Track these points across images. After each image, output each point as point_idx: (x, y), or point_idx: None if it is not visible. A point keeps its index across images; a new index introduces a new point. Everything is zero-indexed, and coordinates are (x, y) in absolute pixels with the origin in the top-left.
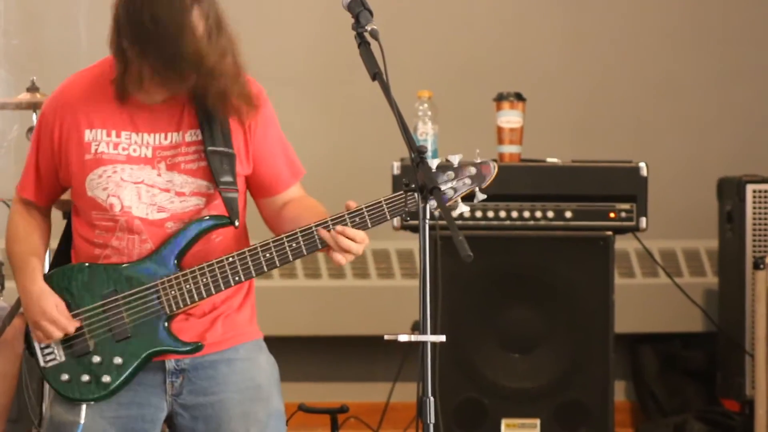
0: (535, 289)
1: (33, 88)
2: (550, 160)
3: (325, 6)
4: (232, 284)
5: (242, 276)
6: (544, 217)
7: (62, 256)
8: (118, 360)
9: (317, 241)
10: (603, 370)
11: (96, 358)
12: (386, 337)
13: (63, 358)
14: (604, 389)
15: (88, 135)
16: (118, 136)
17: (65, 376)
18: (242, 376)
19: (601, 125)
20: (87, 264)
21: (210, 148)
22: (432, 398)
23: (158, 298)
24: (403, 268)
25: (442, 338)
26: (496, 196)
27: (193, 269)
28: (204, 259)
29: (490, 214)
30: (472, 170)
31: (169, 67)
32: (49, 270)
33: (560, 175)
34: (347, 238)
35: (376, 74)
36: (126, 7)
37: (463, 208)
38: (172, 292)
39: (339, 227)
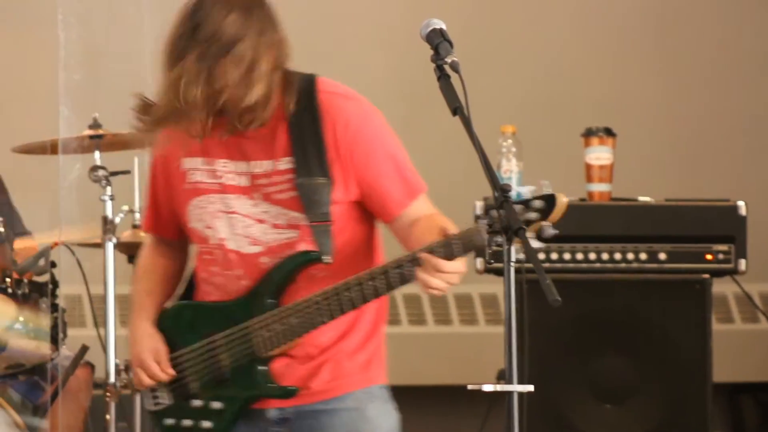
0: (627, 336)
1: (95, 126)
2: (642, 198)
3: (404, 38)
4: (321, 324)
5: (330, 316)
6: (637, 260)
7: (184, 296)
8: (217, 405)
9: (398, 277)
10: (700, 421)
11: (197, 402)
12: (470, 386)
13: (169, 402)
14: None
15: (185, 163)
16: (213, 164)
17: (169, 421)
18: (346, 428)
19: (696, 161)
20: (193, 302)
21: (300, 179)
22: None
23: (250, 339)
24: (487, 314)
25: (530, 388)
26: (585, 237)
27: (282, 309)
28: (304, 296)
29: (579, 256)
30: (539, 203)
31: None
32: None
33: (653, 214)
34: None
35: (456, 108)
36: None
37: (535, 244)
38: (263, 333)
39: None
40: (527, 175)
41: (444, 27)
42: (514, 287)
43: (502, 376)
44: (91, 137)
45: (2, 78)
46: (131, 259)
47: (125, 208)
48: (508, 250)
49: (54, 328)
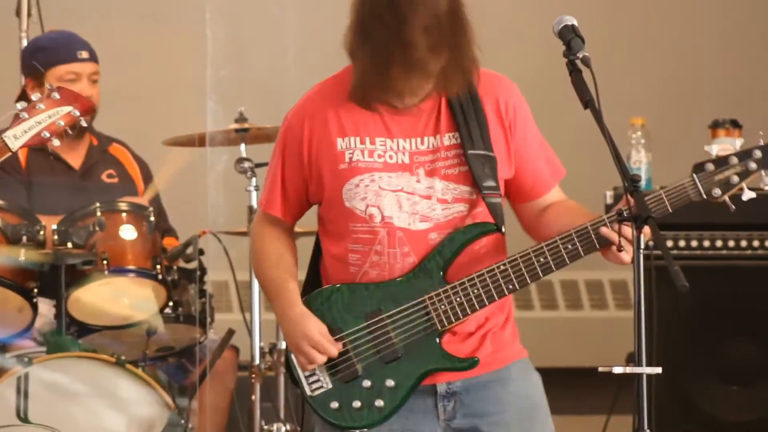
0: (753, 320)
1: (241, 119)
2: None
3: (537, 33)
4: (506, 293)
5: (516, 284)
6: (762, 246)
7: (311, 281)
8: (390, 383)
9: (594, 240)
10: None
11: (366, 383)
12: (600, 369)
13: (330, 385)
14: None
15: (340, 143)
16: (372, 143)
17: (335, 404)
18: (518, 395)
19: None
20: (346, 285)
21: (470, 151)
22: (648, 431)
23: (427, 314)
24: (617, 299)
25: (658, 370)
26: (711, 225)
27: (462, 281)
28: (468, 271)
29: (706, 243)
30: (758, 153)
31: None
32: (301, 296)
33: None
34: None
35: (588, 102)
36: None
37: (750, 195)
38: (442, 307)
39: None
40: (656, 166)
41: (576, 23)
42: (643, 273)
43: (632, 359)
44: (237, 130)
45: (153, 74)
46: None
47: None
48: (638, 238)
49: (202, 312)
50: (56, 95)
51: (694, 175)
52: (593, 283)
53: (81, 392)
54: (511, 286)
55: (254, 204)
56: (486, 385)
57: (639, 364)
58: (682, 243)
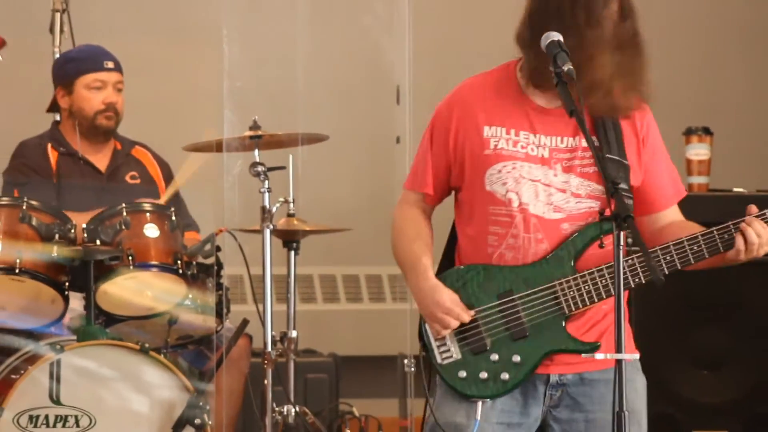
0: (723, 310)
1: (255, 127)
2: (736, 189)
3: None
4: (632, 286)
5: (642, 278)
6: None
7: (445, 263)
8: (516, 358)
9: (719, 243)
10: None
11: (494, 356)
12: (584, 355)
13: (459, 356)
14: None
15: (486, 131)
16: (516, 134)
17: (463, 373)
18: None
19: None
20: (482, 265)
21: (607, 155)
22: (627, 412)
23: (557, 298)
24: None
25: (636, 356)
26: None
27: (591, 270)
28: (598, 262)
29: None
30: None
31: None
32: (435, 276)
33: (746, 203)
34: (755, 232)
35: (572, 111)
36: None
37: None
38: (571, 293)
39: (748, 218)
40: None
41: (561, 39)
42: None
43: None
44: (252, 137)
45: (175, 85)
46: (285, 243)
47: (281, 199)
48: (618, 235)
49: (219, 304)
50: None
51: None
52: None
53: (108, 377)
54: (637, 280)
55: (267, 204)
56: (593, 382)
57: (618, 351)
58: None
